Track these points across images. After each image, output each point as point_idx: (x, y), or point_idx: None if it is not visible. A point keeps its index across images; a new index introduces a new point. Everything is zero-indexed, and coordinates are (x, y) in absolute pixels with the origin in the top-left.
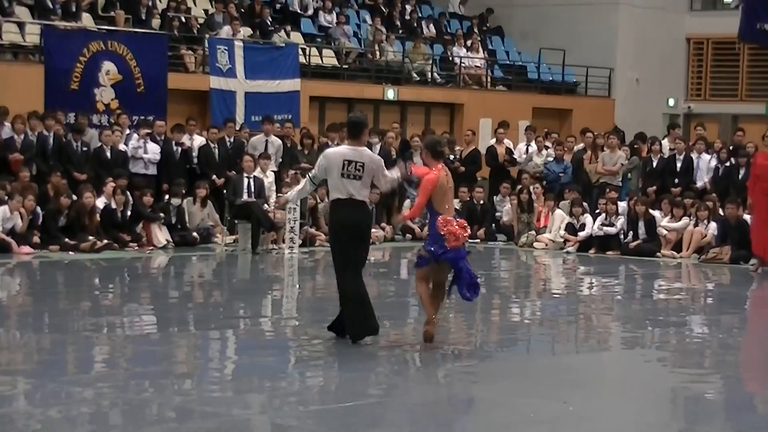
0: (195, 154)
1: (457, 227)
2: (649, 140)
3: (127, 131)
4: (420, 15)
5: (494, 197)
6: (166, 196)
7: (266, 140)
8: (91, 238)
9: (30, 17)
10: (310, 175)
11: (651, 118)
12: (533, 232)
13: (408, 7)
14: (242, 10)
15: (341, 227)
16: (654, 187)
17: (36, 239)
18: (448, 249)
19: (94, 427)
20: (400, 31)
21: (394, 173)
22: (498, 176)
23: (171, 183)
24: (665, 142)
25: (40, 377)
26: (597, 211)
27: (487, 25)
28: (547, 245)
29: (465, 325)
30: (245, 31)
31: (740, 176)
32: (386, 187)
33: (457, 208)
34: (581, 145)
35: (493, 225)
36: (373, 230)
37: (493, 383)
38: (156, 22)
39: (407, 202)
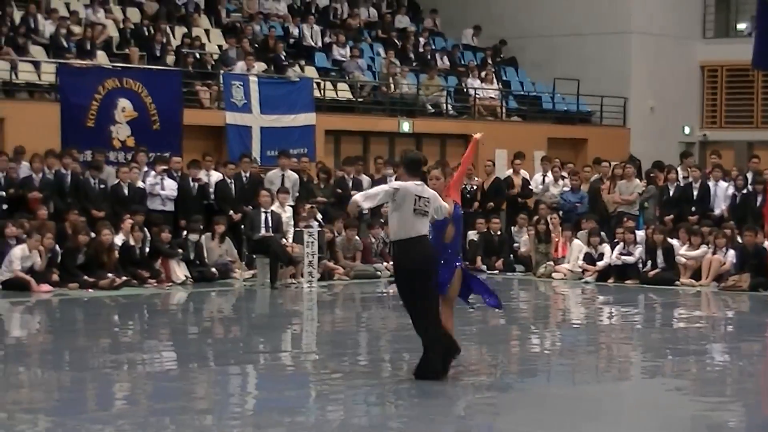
0: (212, 189)
1: None
2: (665, 169)
3: (145, 168)
4: (433, 47)
5: (511, 228)
6: (184, 232)
7: (282, 174)
8: (109, 275)
9: (45, 56)
10: (391, 188)
11: (666, 147)
12: (551, 263)
13: (421, 40)
14: (256, 46)
15: (418, 266)
16: (671, 216)
17: (55, 277)
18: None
19: None
20: (414, 64)
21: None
22: (515, 207)
23: (188, 219)
24: (680, 171)
25: (61, 415)
26: (615, 240)
27: (501, 56)
28: (565, 275)
29: (485, 356)
30: (259, 66)
31: (757, 203)
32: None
33: (474, 239)
34: (597, 175)
35: (511, 256)
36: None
37: (513, 414)
38: (170, 58)
39: None
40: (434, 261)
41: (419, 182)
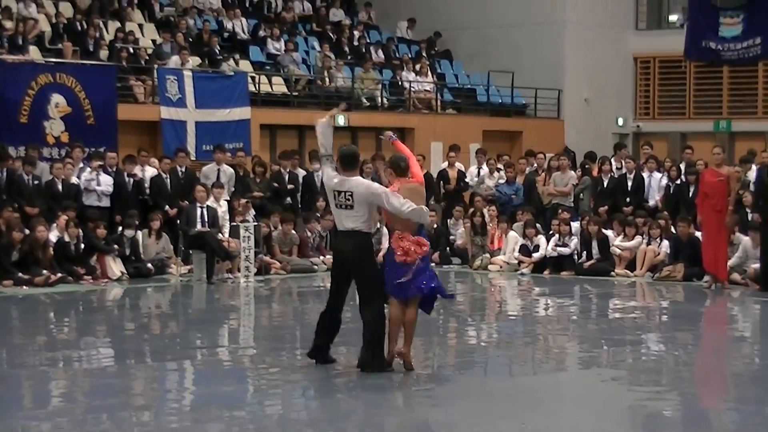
0: (147, 185)
1: (409, 243)
2: (599, 160)
3: (80, 164)
4: (368, 40)
5: (448, 220)
6: (120, 228)
7: (218, 169)
8: (44, 272)
9: None
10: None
11: (601, 138)
12: (487, 255)
13: (356, 33)
14: (190, 40)
15: (334, 257)
16: (605, 207)
17: None
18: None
19: None
20: (349, 57)
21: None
22: (451, 200)
23: (124, 214)
24: (614, 162)
25: None
26: (550, 232)
27: (435, 48)
28: (501, 267)
29: (422, 348)
30: (194, 61)
31: (690, 194)
32: (403, 214)
33: None
34: (533, 167)
35: (448, 248)
36: (328, 256)
37: (451, 406)
38: (104, 53)
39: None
40: (353, 258)
41: (344, 177)
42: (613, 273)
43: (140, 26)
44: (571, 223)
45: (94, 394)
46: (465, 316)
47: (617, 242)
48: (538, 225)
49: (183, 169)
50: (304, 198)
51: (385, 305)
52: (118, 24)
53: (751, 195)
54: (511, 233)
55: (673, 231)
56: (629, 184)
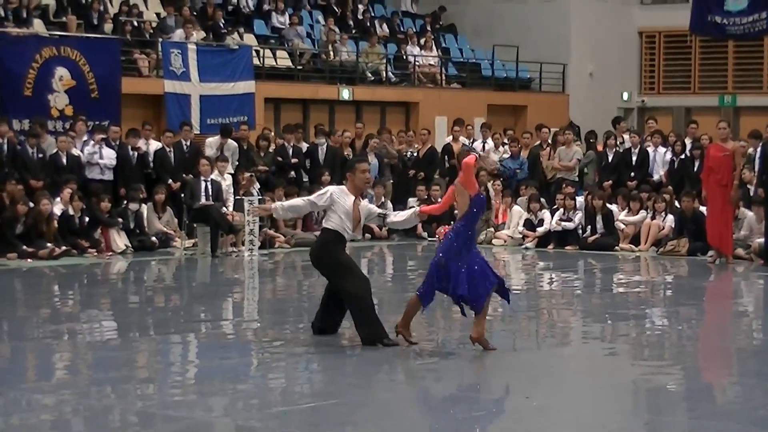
0: (151, 158)
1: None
2: (604, 135)
3: (84, 137)
4: (373, 14)
5: None
6: (124, 202)
7: (221, 142)
8: (49, 245)
9: None
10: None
11: (605, 113)
12: (492, 229)
13: (360, 7)
14: (195, 13)
15: None
16: (610, 182)
17: None
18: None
19: None
20: (354, 31)
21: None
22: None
23: (128, 188)
24: (624, 137)
25: (1, 385)
26: (554, 206)
27: (440, 23)
28: (505, 242)
29: (426, 322)
30: (198, 34)
31: (695, 168)
32: None
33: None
34: (538, 141)
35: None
36: None
37: (455, 380)
38: (108, 26)
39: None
40: (312, 258)
41: None
42: (617, 247)
43: (144, 0)
44: (576, 197)
45: (98, 367)
46: None
47: (621, 217)
48: (542, 199)
49: (187, 143)
50: (309, 172)
51: None
52: None
53: (750, 171)
54: (516, 207)
55: (678, 206)
56: (634, 158)
